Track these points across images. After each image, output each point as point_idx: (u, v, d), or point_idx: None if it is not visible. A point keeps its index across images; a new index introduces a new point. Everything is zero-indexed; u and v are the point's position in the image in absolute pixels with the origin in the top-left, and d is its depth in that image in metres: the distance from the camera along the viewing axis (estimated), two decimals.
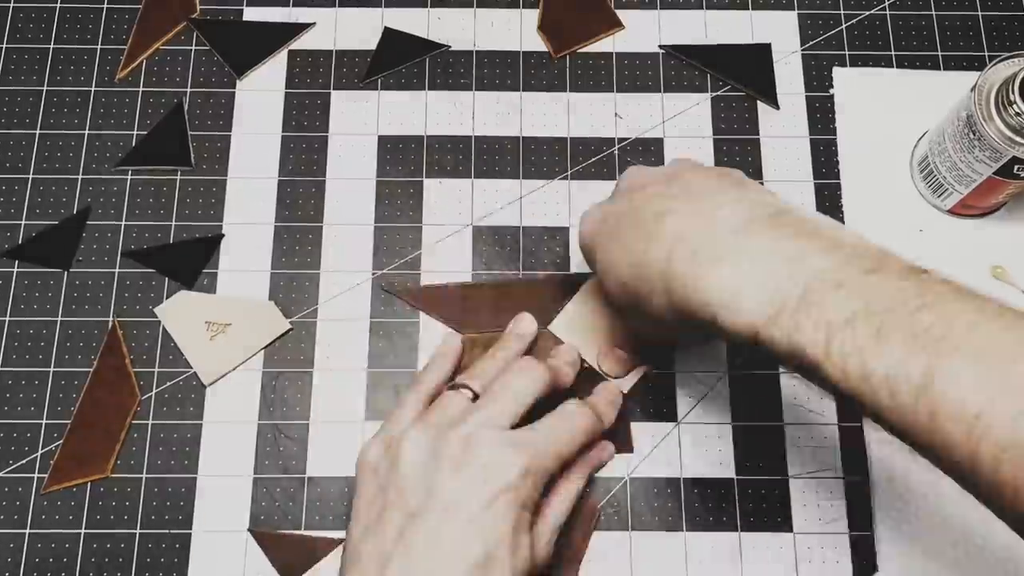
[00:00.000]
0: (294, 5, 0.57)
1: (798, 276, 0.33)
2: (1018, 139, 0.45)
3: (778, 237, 0.34)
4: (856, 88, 0.55)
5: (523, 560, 0.38)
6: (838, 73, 0.56)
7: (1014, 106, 0.45)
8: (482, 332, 0.50)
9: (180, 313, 0.50)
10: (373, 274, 0.52)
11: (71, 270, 0.52)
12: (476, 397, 0.42)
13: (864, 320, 0.31)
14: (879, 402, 0.30)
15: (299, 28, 0.56)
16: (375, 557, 0.37)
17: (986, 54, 0.56)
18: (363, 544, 0.38)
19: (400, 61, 0.55)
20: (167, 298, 0.51)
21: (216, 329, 0.50)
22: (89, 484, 0.48)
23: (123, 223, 0.53)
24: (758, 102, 0.55)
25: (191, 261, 0.51)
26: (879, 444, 0.49)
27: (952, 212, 0.53)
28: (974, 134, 0.46)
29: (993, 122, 0.46)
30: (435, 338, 0.50)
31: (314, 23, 0.57)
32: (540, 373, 0.42)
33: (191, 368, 0.50)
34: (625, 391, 0.49)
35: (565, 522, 0.41)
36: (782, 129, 0.55)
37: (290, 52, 0.56)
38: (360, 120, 0.55)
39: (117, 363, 0.50)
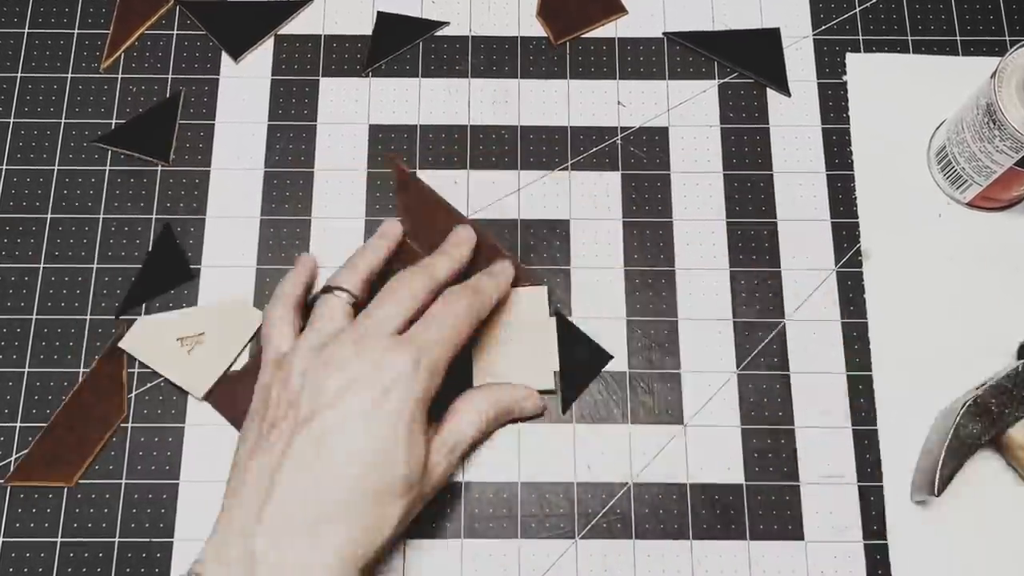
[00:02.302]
0: None
1: None
2: None
3: None
4: (870, 75, 0.53)
5: (417, 459, 0.37)
6: (851, 59, 0.53)
7: None
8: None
9: (147, 338, 0.48)
10: None
11: (46, 265, 0.49)
12: (355, 300, 0.42)
13: None
14: None
15: (293, 7, 0.54)
16: (264, 469, 0.36)
17: (1007, 38, 0.53)
18: (251, 461, 0.37)
19: (399, 45, 0.53)
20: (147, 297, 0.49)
21: (191, 342, 0.48)
22: (65, 490, 0.46)
23: (101, 216, 0.50)
24: (768, 90, 0.53)
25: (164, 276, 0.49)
26: (893, 450, 0.47)
27: (972, 205, 0.50)
28: (994, 123, 0.44)
29: (1014, 110, 0.44)
30: None
31: (310, 0, 0.54)
32: (424, 276, 0.42)
33: None
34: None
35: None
36: (793, 118, 0.52)
37: (277, 37, 0.54)
38: (350, 108, 0.52)
39: (113, 370, 0.47)
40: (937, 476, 0.43)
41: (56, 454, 0.46)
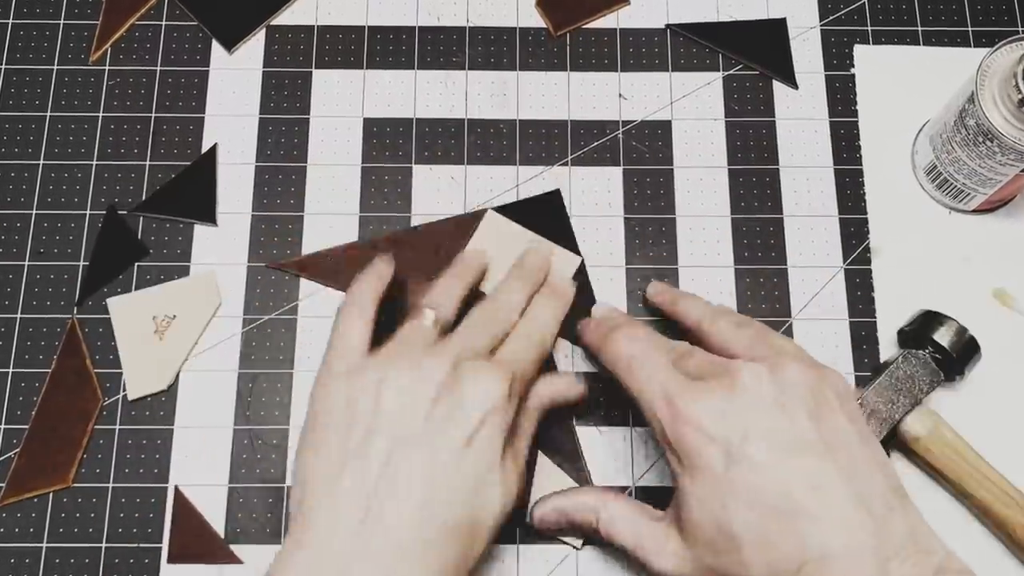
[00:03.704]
0: None
1: None
2: None
3: None
4: (879, 67, 0.52)
5: (511, 483, 0.38)
6: (859, 51, 0.52)
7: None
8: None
9: (127, 314, 0.47)
10: None
11: (30, 263, 0.48)
12: (436, 322, 0.40)
13: None
14: None
15: None
16: (358, 486, 0.35)
17: (1020, 28, 0.52)
18: (341, 476, 0.35)
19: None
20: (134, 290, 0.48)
21: (164, 324, 0.46)
22: (51, 495, 0.44)
23: (88, 212, 0.49)
24: (774, 82, 0.52)
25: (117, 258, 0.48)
26: (900, 460, 0.45)
27: (976, 211, 0.49)
28: (990, 140, 0.43)
29: (1011, 127, 0.42)
30: None
31: None
32: (515, 304, 0.42)
33: None
34: None
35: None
36: (800, 111, 0.51)
37: (269, 28, 0.52)
38: (344, 101, 0.51)
39: (77, 364, 0.46)
40: None
41: (44, 459, 0.45)
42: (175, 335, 0.46)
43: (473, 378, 0.37)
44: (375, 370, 0.38)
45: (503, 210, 0.49)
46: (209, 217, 0.49)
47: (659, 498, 0.44)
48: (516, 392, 0.38)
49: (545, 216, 0.48)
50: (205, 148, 0.50)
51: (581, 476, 0.45)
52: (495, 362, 0.39)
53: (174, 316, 0.46)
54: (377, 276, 0.43)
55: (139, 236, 0.49)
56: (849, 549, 0.32)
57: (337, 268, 0.48)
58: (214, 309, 0.47)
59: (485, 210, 0.48)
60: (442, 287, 0.43)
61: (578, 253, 0.48)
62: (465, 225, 0.48)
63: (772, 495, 0.34)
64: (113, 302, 0.47)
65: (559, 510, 0.42)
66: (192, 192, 0.49)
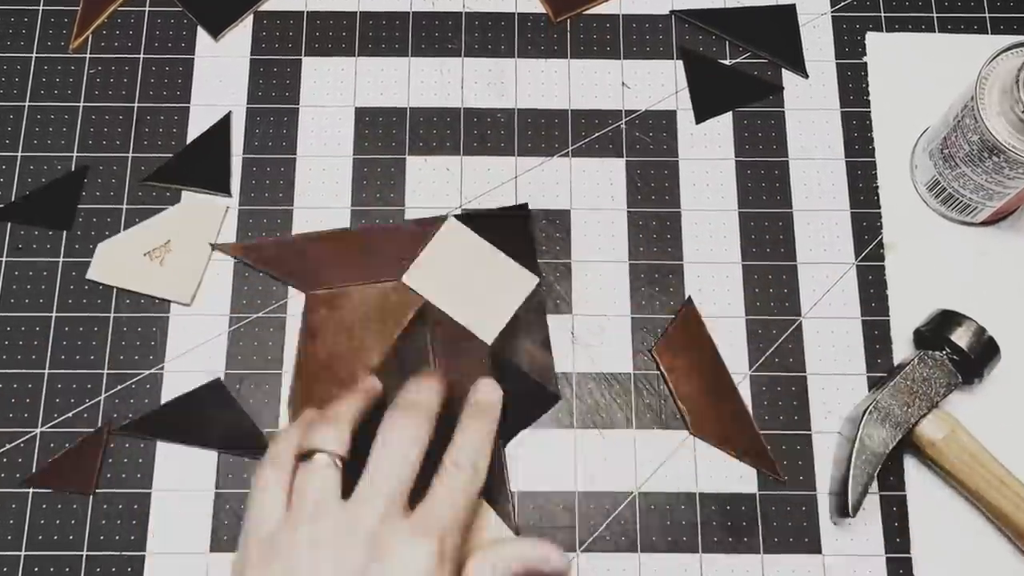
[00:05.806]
0: None
1: None
2: None
3: None
4: (892, 55, 0.50)
5: None
6: (871, 38, 0.51)
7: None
8: (329, 288, 0.46)
9: (113, 263, 0.46)
10: None
11: (9, 259, 0.47)
12: (341, 459, 0.36)
13: None
14: None
15: None
16: None
17: None
18: None
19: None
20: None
21: (160, 253, 0.46)
22: (30, 499, 0.43)
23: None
24: (783, 70, 0.50)
25: (60, 201, 0.47)
26: (918, 466, 0.44)
27: (985, 223, 0.47)
28: (998, 154, 0.42)
29: (1016, 142, 0.41)
30: None
31: None
32: (416, 420, 0.36)
33: (142, 370, 0.45)
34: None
35: None
36: (810, 101, 0.50)
37: (256, 14, 0.51)
38: (335, 90, 0.50)
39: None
40: (850, 499, 0.41)
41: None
42: (175, 257, 0.46)
43: (399, 551, 0.33)
44: (278, 546, 0.34)
45: (468, 219, 0.47)
46: (223, 188, 0.47)
47: (662, 504, 0.43)
48: (450, 552, 0.34)
49: (509, 231, 0.47)
50: (190, 139, 0.49)
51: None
52: (416, 528, 0.34)
53: (167, 241, 0.46)
54: (303, 423, 0.38)
55: (123, 221, 0.47)
56: None
57: (292, 259, 0.46)
58: (219, 220, 0.46)
59: (446, 216, 0.47)
60: (331, 421, 0.37)
61: (538, 274, 0.46)
62: (426, 228, 0.47)
63: None
64: (93, 273, 0.46)
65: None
66: (205, 162, 0.48)
